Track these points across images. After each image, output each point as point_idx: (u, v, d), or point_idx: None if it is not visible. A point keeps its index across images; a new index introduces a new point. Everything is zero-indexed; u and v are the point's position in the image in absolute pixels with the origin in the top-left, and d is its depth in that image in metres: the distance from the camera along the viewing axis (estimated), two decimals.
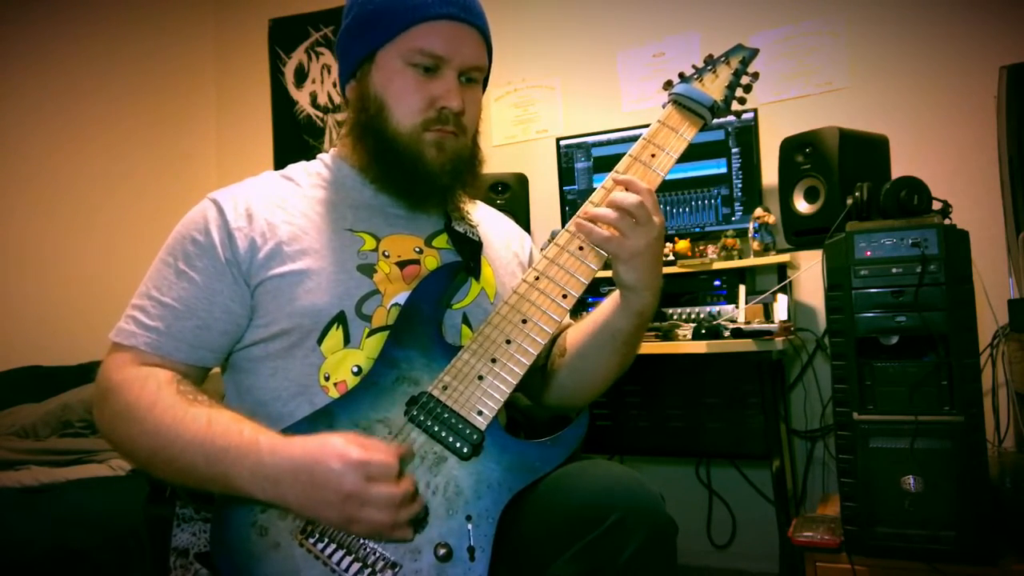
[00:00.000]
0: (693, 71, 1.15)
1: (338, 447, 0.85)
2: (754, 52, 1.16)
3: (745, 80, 1.14)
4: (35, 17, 2.83)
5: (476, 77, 1.09)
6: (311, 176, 1.12)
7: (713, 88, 1.11)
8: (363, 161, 1.09)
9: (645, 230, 0.97)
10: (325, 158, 1.15)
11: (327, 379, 0.98)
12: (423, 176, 1.05)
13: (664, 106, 1.12)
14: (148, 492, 1.08)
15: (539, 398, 1.19)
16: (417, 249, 1.08)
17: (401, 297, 1.02)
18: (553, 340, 1.18)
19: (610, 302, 1.09)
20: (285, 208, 1.05)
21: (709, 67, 1.15)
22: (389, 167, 1.06)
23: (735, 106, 1.14)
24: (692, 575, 2.42)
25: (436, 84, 1.04)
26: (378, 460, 0.85)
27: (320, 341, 0.99)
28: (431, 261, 1.07)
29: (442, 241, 1.11)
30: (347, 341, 0.99)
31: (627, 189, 0.99)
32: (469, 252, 1.11)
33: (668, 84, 1.14)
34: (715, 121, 1.13)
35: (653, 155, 1.06)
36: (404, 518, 0.85)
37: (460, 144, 1.07)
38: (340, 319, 0.99)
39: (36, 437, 2.26)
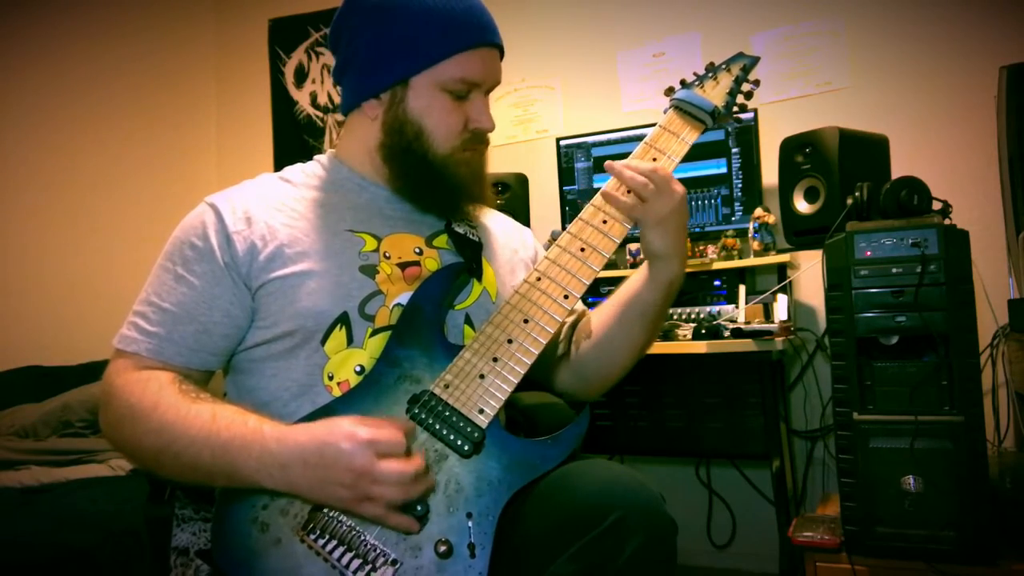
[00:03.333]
0: (694, 78, 1.17)
1: (345, 428, 0.86)
2: (755, 60, 1.18)
3: (746, 87, 1.16)
4: (35, 17, 2.83)
5: (492, 89, 1.12)
6: (309, 177, 1.12)
7: (714, 94, 1.14)
8: (394, 181, 1.10)
9: (668, 196, 1.01)
10: (322, 159, 1.16)
11: (331, 378, 0.99)
12: (458, 193, 1.09)
13: (665, 111, 1.14)
14: (148, 492, 1.08)
15: (560, 386, 1.21)
16: (417, 249, 1.08)
17: (403, 297, 1.03)
18: (573, 327, 1.20)
19: (636, 277, 1.11)
20: (284, 210, 1.05)
21: (710, 74, 1.17)
22: (426, 187, 1.08)
23: (735, 112, 1.16)
24: (692, 575, 2.42)
25: (469, 106, 1.07)
26: (387, 437, 0.86)
27: (323, 342, 0.99)
28: (431, 262, 1.08)
29: (442, 241, 1.11)
30: (350, 341, 1.00)
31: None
32: (470, 253, 1.11)
33: (670, 90, 1.16)
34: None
35: (655, 159, 1.08)
36: (415, 493, 0.86)
37: (484, 158, 1.12)
38: (343, 320, 1.00)
39: (36, 437, 2.26)
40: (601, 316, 1.16)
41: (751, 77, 1.17)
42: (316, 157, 1.17)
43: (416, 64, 1.04)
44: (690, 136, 1.10)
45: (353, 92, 1.11)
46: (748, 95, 1.17)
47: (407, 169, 1.08)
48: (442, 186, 1.08)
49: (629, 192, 1.03)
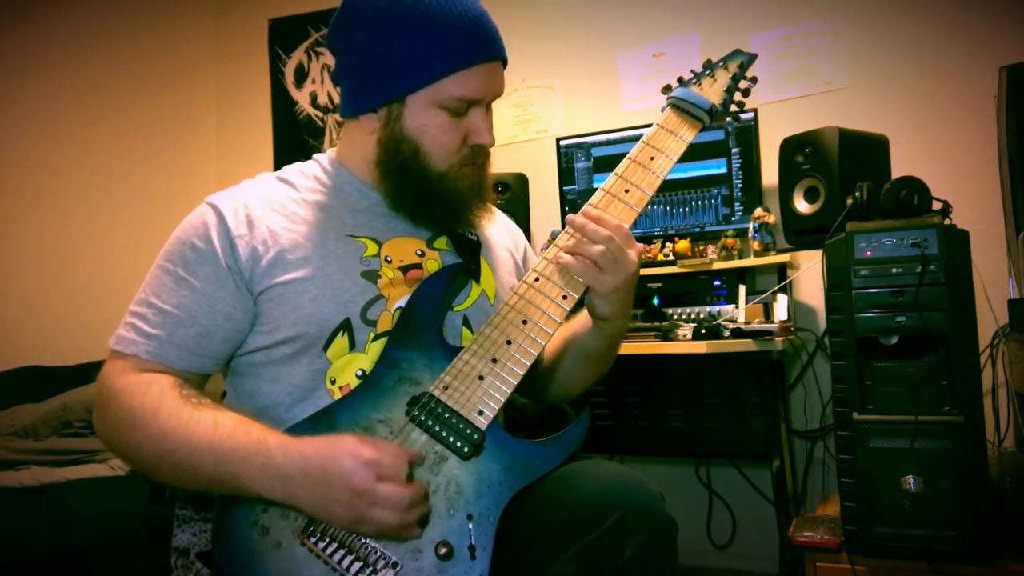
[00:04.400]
0: (692, 76, 1.16)
1: (349, 445, 0.86)
2: (752, 57, 1.18)
3: (743, 85, 1.16)
4: (35, 17, 2.83)
5: (494, 101, 1.10)
6: (309, 179, 1.11)
7: (711, 92, 1.13)
8: (393, 197, 1.08)
9: (622, 266, 0.98)
10: (322, 160, 1.14)
11: (333, 383, 0.99)
12: (457, 209, 1.08)
13: (663, 110, 1.13)
14: (148, 492, 1.08)
15: (531, 394, 1.23)
16: (419, 252, 1.08)
17: (405, 301, 1.03)
18: None
19: (581, 322, 1.10)
20: (285, 214, 1.04)
21: (707, 72, 1.16)
22: (424, 204, 1.07)
23: (733, 109, 1.15)
24: (692, 575, 2.42)
25: (468, 121, 1.04)
26: (389, 460, 0.85)
27: (326, 348, 0.99)
28: (432, 264, 1.07)
29: (443, 243, 1.11)
30: (352, 346, 0.99)
31: (599, 224, 0.98)
32: (469, 253, 1.11)
33: (667, 88, 1.15)
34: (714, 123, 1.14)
35: (652, 157, 1.07)
36: (411, 520, 0.86)
37: (485, 170, 1.10)
38: (345, 326, 0.99)
39: (36, 437, 2.26)
40: (550, 346, 1.17)
41: (748, 74, 1.16)
42: (315, 157, 1.15)
43: (412, 83, 1.01)
44: (688, 134, 1.09)
45: (350, 102, 1.08)
46: (746, 92, 1.16)
47: (405, 187, 1.06)
48: (441, 203, 1.06)
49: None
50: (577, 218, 1.00)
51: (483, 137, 1.05)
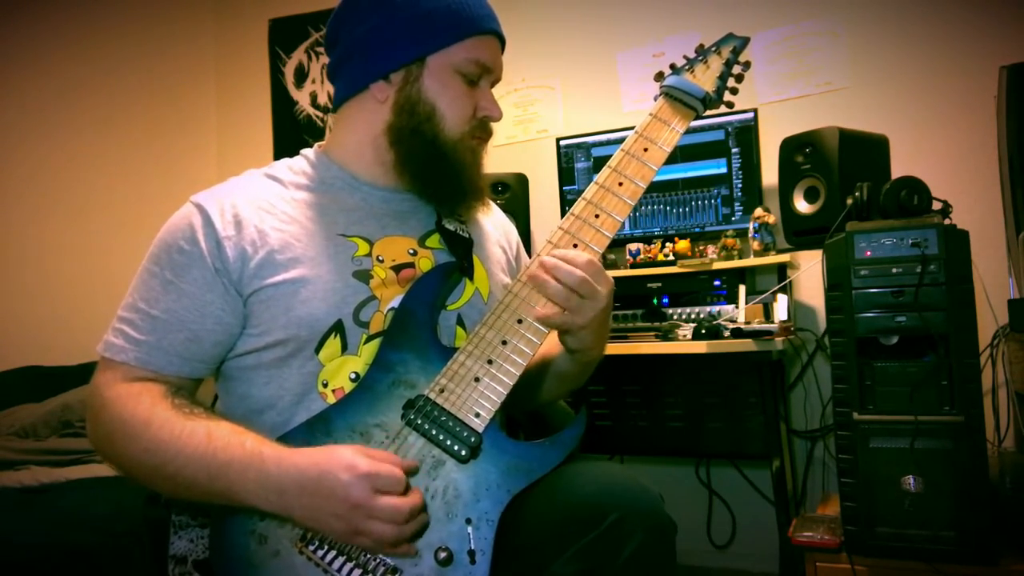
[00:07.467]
0: (684, 62, 1.14)
1: (346, 458, 0.85)
2: (745, 40, 1.15)
3: (737, 70, 1.14)
4: (35, 17, 2.83)
5: (496, 82, 1.13)
6: (297, 175, 1.09)
7: (704, 79, 1.11)
8: (399, 166, 1.07)
9: (591, 304, 0.96)
10: (309, 155, 1.12)
11: (325, 386, 0.98)
12: (464, 182, 1.08)
13: (656, 99, 1.11)
14: (147, 493, 1.08)
15: None
16: (411, 251, 1.07)
17: (397, 301, 1.01)
18: None
19: (555, 345, 1.09)
20: (274, 213, 1.02)
21: (700, 58, 1.14)
22: (432, 171, 1.06)
23: (727, 96, 1.14)
24: (692, 575, 2.42)
25: (479, 93, 1.08)
26: (386, 472, 0.84)
27: (317, 350, 0.98)
28: (425, 263, 1.06)
29: (435, 241, 1.10)
30: (345, 348, 0.98)
31: (569, 263, 0.96)
32: (462, 251, 1.10)
33: (660, 76, 1.13)
34: (715, 120, 1.13)
35: (645, 149, 1.06)
36: (409, 532, 0.85)
37: (485, 152, 1.12)
38: (337, 328, 0.98)
39: (36, 437, 2.26)
40: None
41: (742, 58, 1.14)
42: (303, 152, 1.13)
43: (433, 43, 1.04)
44: (681, 125, 1.08)
45: (361, 76, 1.07)
46: (739, 78, 1.14)
47: (415, 150, 1.06)
48: (450, 173, 1.06)
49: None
50: (538, 273, 0.97)
51: (492, 110, 1.08)
